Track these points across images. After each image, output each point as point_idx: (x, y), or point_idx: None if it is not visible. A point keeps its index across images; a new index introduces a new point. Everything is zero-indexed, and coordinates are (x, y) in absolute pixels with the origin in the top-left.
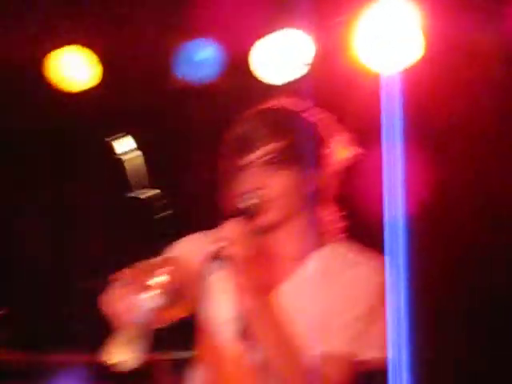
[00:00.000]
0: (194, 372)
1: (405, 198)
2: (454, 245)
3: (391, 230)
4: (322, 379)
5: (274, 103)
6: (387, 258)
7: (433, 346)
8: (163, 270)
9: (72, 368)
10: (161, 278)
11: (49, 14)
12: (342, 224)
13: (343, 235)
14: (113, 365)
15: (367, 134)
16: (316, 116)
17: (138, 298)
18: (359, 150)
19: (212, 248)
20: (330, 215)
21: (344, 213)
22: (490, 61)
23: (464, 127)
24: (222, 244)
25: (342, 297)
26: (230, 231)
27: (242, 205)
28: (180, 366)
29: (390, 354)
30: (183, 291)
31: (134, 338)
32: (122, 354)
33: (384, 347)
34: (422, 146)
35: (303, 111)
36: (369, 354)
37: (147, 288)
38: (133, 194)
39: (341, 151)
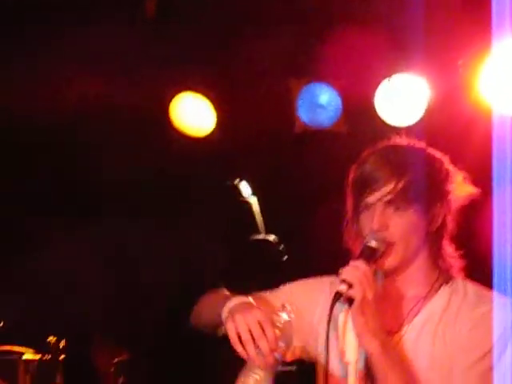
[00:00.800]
0: None
1: None
2: None
3: (500, 273)
4: None
5: (393, 142)
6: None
7: None
8: (287, 311)
9: None
10: (285, 318)
11: (172, 60)
12: (461, 262)
13: (463, 273)
14: None
15: (482, 176)
16: (436, 154)
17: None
18: (477, 190)
19: (337, 289)
20: (452, 252)
21: (461, 251)
22: None
23: None
24: (345, 286)
25: (468, 336)
26: (352, 273)
27: (364, 247)
28: None
29: None
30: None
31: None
32: None
33: None
34: None
35: (425, 148)
36: None
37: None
38: (257, 237)
39: (462, 188)
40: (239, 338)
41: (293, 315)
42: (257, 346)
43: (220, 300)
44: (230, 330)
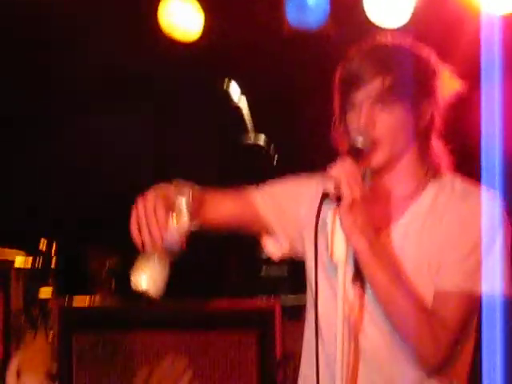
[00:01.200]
0: (308, 315)
1: (503, 137)
2: None
3: (489, 169)
4: (440, 316)
5: (379, 40)
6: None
7: None
8: (186, 189)
9: None
10: (185, 199)
11: None
12: (450, 158)
13: (452, 169)
14: (139, 291)
15: (470, 74)
16: (424, 50)
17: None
18: (464, 85)
19: (324, 188)
20: (440, 149)
21: (450, 147)
22: None
23: None
24: (332, 184)
25: (455, 232)
26: (339, 171)
27: (351, 145)
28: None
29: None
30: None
31: (161, 265)
32: (148, 283)
33: (503, 281)
34: None
35: (412, 46)
36: (487, 289)
37: (174, 210)
38: (247, 142)
39: (449, 84)
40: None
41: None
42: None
43: None
44: (132, 216)
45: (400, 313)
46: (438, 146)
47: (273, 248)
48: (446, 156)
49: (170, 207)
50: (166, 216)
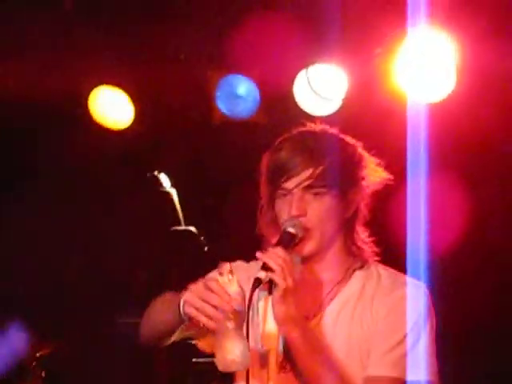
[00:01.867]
0: None
1: (428, 230)
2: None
3: (413, 260)
4: None
5: (307, 128)
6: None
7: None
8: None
9: None
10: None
11: (90, 52)
12: (374, 248)
13: (376, 258)
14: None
15: (398, 164)
16: (350, 140)
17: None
18: (390, 176)
19: (257, 275)
20: (364, 238)
21: (375, 238)
22: None
23: (496, 159)
24: (265, 273)
25: (384, 322)
26: (272, 259)
27: (282, 233)
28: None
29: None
30: None
31: (240, 334)
32: (236, 356)
33: (428, 368)
34: (450, 178)
35: (338, 135)
36: (413, 376)
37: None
38: (178, 228)
39: (375, 174)
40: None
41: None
42: (214, 307)
43: (170, 301)
44: (189, 310)
45: None
46: (363, 234)
47: None
48: (370, 245)
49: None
50: (220, 286)
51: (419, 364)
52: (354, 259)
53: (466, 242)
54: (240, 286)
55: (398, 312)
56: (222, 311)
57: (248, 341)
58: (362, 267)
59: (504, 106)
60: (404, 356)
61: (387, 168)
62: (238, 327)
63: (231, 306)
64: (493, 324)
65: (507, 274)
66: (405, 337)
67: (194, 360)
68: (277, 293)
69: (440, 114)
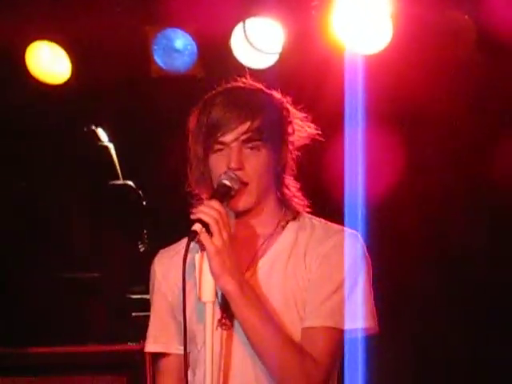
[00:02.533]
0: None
1: (365, 180)
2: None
3: (351, 212)
4: (310, 353)
5: (236, 84)
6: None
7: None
8: None
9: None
10: None
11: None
12: (306, 199)
13: (309, 210)
14: None
15: (334, 117)
16: (278, 96)
17: None
18: (318, 130)
19: (194, 228)
20: (295, 191)
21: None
22: (461, 41)
23: (431, 110)
24: (200, 226)
25: (319, 270)
26: (207, 212)
27: (218, 185)
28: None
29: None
30: None
31: None
32: None
33: (367, 316)
34: (386, 130)
35: (267, 89)
36: (351, 324)
37: None
38: (116, 182)
39: (302, 128)
40: None
41: None
42: None
43: None
44: None
45: (270, 352)
46: (294, 187)
47: None
48: (302, 197)
49: None
50: None
51: (357, 312)
52: (286, 212)
53: (401, 191)
54: None
55: (331, 261)
56: None
57: (184, 297)
58: (294, 219)
59: (441, 56)
60: (340, 305)
61: (325, 119)
62: None
63: None
64: (428, 273)
65: (442, 221)
66: (340, 285)
67: (133, 314)
68: (212, 245)
69: (377, 66)
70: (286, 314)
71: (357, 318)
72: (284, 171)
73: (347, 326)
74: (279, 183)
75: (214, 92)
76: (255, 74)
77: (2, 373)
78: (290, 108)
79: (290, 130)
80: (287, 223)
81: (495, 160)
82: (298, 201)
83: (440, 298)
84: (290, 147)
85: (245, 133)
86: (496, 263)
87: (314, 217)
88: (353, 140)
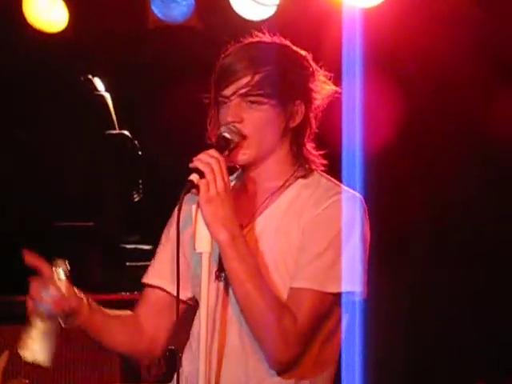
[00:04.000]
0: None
1: (363, 132)
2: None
3: (349, 164)
4: (292, 312)
5: (256, 38)
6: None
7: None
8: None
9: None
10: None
11: None
12: (321, 159)
13: (321, 169)
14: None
15: (332, 69)
16: (301, 52)
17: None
18: (338, 89)
19: (190, 178)
20: (311, 150)
21: (321, 150)
22: None
23: (428, 61)
24: (197, 175)
25: (311, 229)
26: (204, 161)
27: (218, 137)
28: None
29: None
30: None
31: (44, 334)
32: (35, 353)
33: (352, 281)
34: (384, 81)
35: (289, 46)
36: (337, 287)
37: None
38: (112, 132)
39: (323, 87)
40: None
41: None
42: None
43: None
44: None
45: (252, 308)
46: (310, 146)
47: None
48: (317, 157)
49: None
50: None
51: (347, 275)
52: (298, 169)
53: (399, 144)
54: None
55: (323, 222)
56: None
57: (178, 248)
58: (304, 176)
59: (438, 11)
60: (328, 268)
61: (323, 71)
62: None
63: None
64: (424, 220)
65: (439, 170)
66: (329, 247)
67: (128, 264)
68: (204, 192)
69: (375, 19)
70: (275, 272)
71: (346, 282)
72: (301, 128)
73: (335, 289)
74: (293, 140)
75: (232, 45)
76: (253, 25)
77: None
78: (314, 65)
79: (311, 87)
80: (296, 180)
81: (494, 110)
82: (314, 159)
83: (437, 246)
84: (311, 105)
85: (244, 86)
86: (492, 211)
87: (326, 176)
88: (351, 92)
